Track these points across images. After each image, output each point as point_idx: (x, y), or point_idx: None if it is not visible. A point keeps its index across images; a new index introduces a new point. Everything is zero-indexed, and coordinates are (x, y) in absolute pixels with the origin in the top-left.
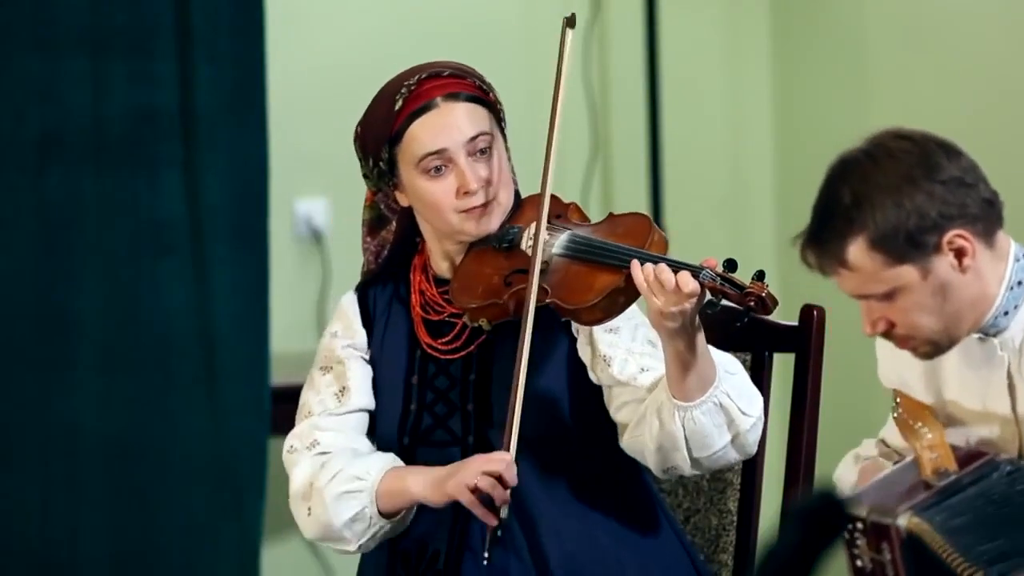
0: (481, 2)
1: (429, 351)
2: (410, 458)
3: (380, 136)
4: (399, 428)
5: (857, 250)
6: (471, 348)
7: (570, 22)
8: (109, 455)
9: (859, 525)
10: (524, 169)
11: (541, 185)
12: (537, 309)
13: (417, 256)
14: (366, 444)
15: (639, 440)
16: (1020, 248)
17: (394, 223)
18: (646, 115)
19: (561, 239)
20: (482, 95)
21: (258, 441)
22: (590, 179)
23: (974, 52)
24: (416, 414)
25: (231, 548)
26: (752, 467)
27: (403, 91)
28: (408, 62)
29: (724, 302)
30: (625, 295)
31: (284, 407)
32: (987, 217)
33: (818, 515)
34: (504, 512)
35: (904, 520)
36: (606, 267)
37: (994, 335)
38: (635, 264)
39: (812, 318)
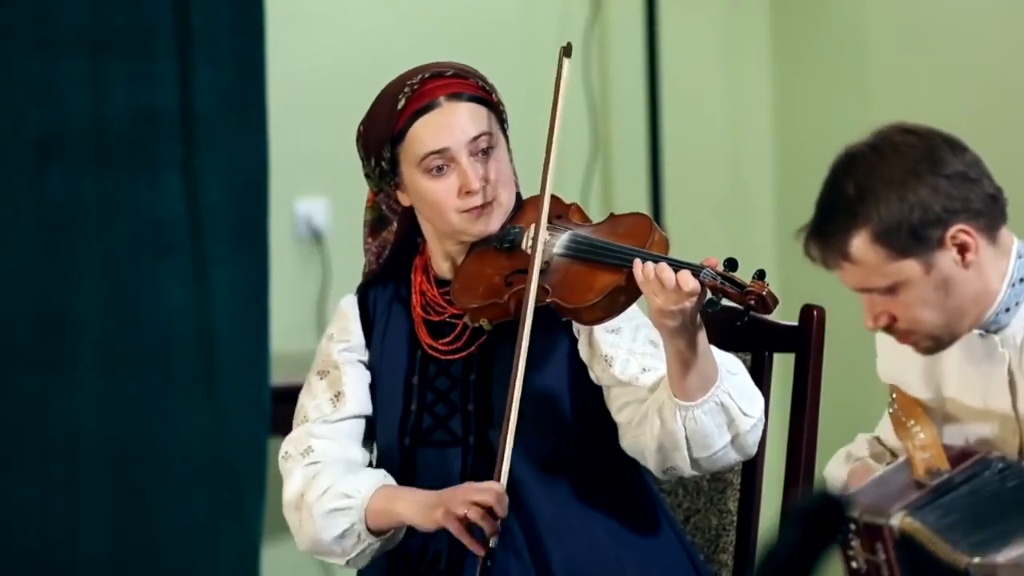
0: (481, 2)
1: (430, 352)
2: (410, 459)
3: (382, 135)
4: (400, 429)
5: (860, 243)
6: (472, 349)
7: (567, 52)
8: (109, 455)
9: (853, 526)
10: (524, 169)
11: (540, 188)
12: (538, 309)
13: (418, 257)
14: (360, 453)
15: (640, 440)
16: (1022, 245)
17: (395, 224)
18: (646, 115)
19: (562, 239)
20: (485, 95)
21: (258, 441)
22: (590, 179)
23: (974, 52)
24: (416, 415)
25: (231, 548)
26: (752, 467)
27: (406, 90)
28: (408, 62)
29: (725, 301)
30: (626, 294)
31: (284, 407)
32: (991, 213)
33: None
34: (493, 543)
35: (897, 520)
36: (607, 266)
37: (995, 332)
38: (636, 263)
39: (812, 318)
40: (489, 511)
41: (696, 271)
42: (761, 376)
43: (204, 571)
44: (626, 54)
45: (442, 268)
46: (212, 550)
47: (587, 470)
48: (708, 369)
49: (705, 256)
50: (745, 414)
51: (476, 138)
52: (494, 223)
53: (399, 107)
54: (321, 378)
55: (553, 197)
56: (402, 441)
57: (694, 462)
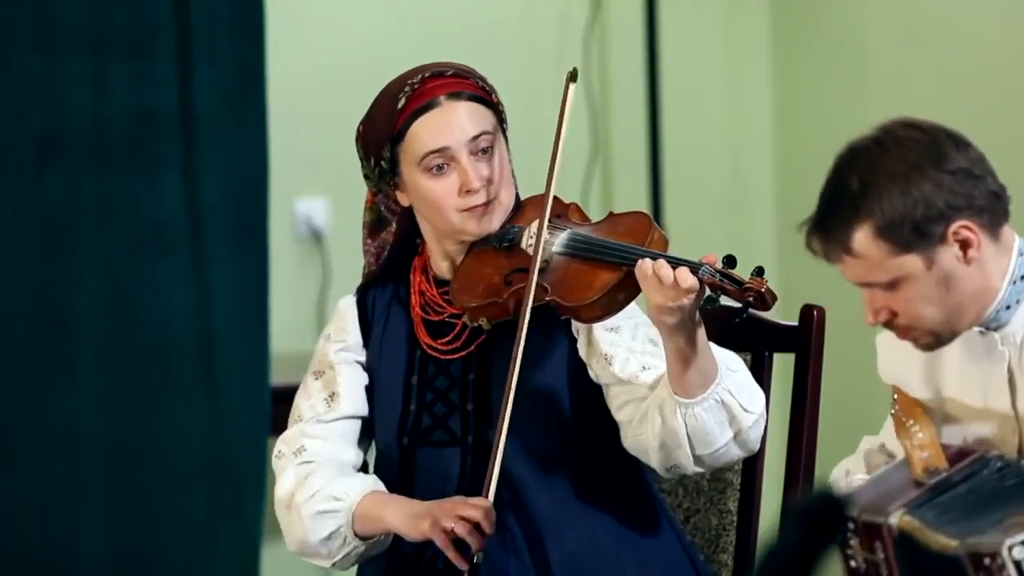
0: (481, 2)
1: (429, 351)
2: (410, 458)
3: (382, 135)
4: (399, 428)
5: (863, 237)
6: (471, 348)
7: (573, 77)
8: (109, 455)
9: (851, 525)
10: (524, 169)
11: (545, 190)
12: (537, 308)
13: (417, 257)
14: (354, 453)
15: (642, 439)
16: None
17: (394, 225)
18: (646, 115)
19: (561, 237)
20: (484, 95)
21: (258, 441)
22: (590, 179)
23: (974, 52)
24: (416, 414)
25: (231, 548)
26: (752, 467)
27: (406, 90)
28: (408, 62)
29: (723, 298)
30: (624, 292)
31: (284, 407)
32: (993, 210)
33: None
34: (479, 559)
35: (896, 519)
36: (606, 265)
37: (995, 329)
38: (637, 261)
39: (812, 318)
40: (476, 527)
41: (695, 268)
42: (761, 376)
43: (204, 571)
44: (626, 54)
45: (441, 268)
46: (212, 550)
47: (587, 469)
48: (708, 366)
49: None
50: (746, 410)
51: (476, 137)
52: (495, 222)
53: (399, 106)
54: (316, 378)
55: (553, 196)
56: (401, 441)
57: (697, 459)
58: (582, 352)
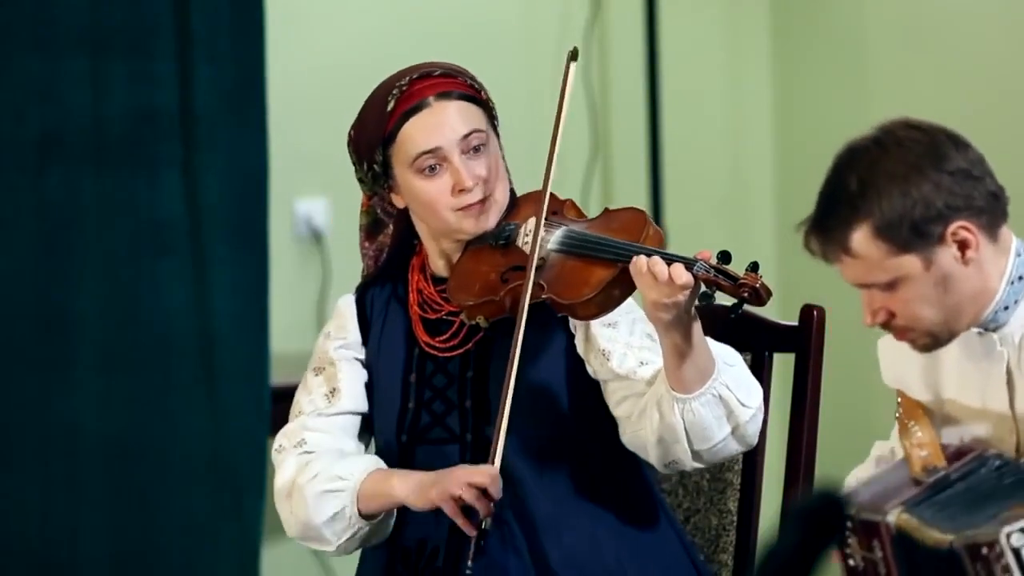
0: (481, 2)
1: (427, 349)
2: (409, 456)
3: (373, 138)
4: (397, 426)
5: (861, 237)
6: (469, 346)
7: (573, 56)
8: (109, 455)
9: (850, 524)
10: (524, 169)
11: (543, 187)
12: (534, 305)
13: (415, 257)
14: (354, 446)
15: (640, 435)
16: (1022, 243)
17: (391, 227)
18: (646, 115)
19: (557, 235)
20: (474, 93)
21: (258, 441)
22: (590, 179)
23: (974, 52)
24: (414, 412)
25: (231, 548)
26: (752, 467)
27: (395, 92)
28: (408, 62)
29: (719, 294)
30: (620, 289)
31: (284, 407)
32: (992, 211)
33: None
34: (487, 525)
35: (893, 516)
36: (601, 262)
37: (993, 330)
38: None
39: (812, 318)
40: (484, 493)
41: (689, 264)
42: (761, 376)
43: (204, 571)
44: (626, 54)
45: (438, 266)
46: (212, 550)
47: (586, 467)
48: (704, 361)
49: None
50: (743, 405)
51: (467, 136)
52: (490, 220)
53: (388, 109)
54: (317, 374)
55: (549, 194)
56: (400, 439)
57: (695, 454)
58: (580, 348)
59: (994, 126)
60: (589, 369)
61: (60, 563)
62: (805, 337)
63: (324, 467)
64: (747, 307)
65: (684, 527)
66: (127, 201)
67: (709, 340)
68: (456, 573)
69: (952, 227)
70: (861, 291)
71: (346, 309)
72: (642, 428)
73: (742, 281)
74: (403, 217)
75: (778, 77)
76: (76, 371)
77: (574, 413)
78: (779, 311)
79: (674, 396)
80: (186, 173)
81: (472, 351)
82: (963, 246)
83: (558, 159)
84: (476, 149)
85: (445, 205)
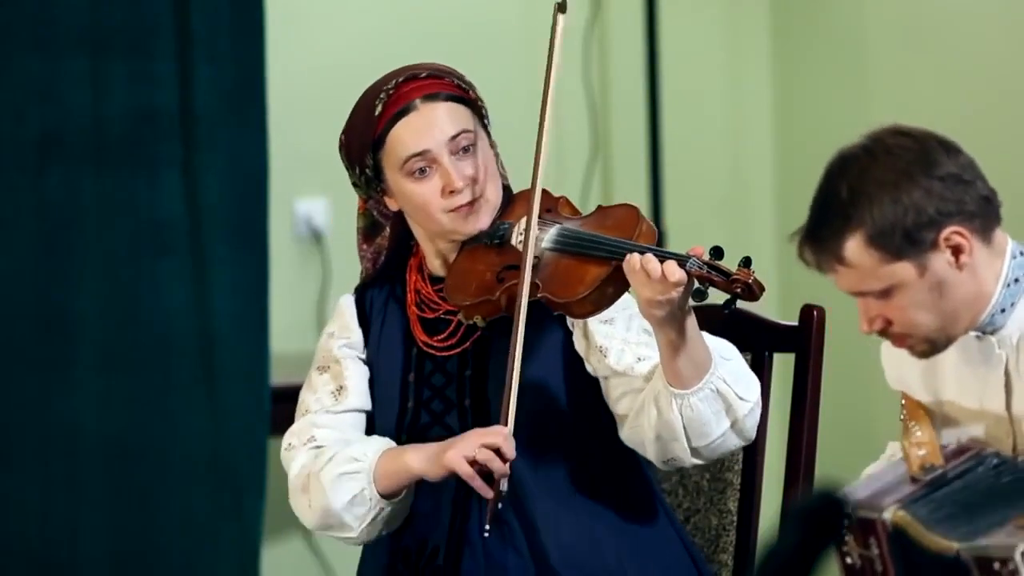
0: (481, 2)
1: (425, 349)
2: None
3: (363, 143)
4: (397, 426)
5: (854, 246)
6: (467, 345)
7: (561, 7)
8: (109, 455)
9: (847, 522)
10: (525, 169)
11: (532, 175)
12: (530, 303)
13: (412, 258)
14: (362, 438)
15: (638, 431)
16: (1017, 245)
17: (388, 229)
18: (646, 115)
19: (551, 233)
20: (462, 93)
21: (258, 441)
22: (590, 179)
23: (974, 52)
24: (413, 411)
25: (231, 548)
26: (752, 467)
27: (382, 96)
28: (408, 62)
29: (712, 290)
30: (614, 286)
31: (284, 407)
32: (985, 214)
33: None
34: (503, 485)
35: (889, 514)
36: (595, 259)
37: (991, 333)
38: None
39: (812, 318)
40: (497, 453)
41: (682, 261)
42: (761, 376)
43: (204, 571)
44: (626, 54)
45: (435, 266)
46: (212, 550)
47: (585, 465)
48: (701, 356)
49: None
50: (741, 399)
51: (455, 137)
52: (483, 220)
53: (376, 113)
54: (322, 373)
55: (542, 191)
56: (400, 438)
57: (694, 451)
58: (578, 346)
59: (994, 126)
60: (588, 367)
61: (60, 563)
62: (805, 337)
63: (338, 451)
64: (747, 307)
65: (684, 527)
66: (127, 201)
67: (705, 335)
68: (457, 574)
69: (945, 233)
70: (857, 300)
71: (347, 308)
72: (640, 425)
73: (735, 277)
74: (399, 219)
75: (778, 77)
76: (76, 371)
77: (573, 410)
78: (779, 311)
79: (672, 392)
80: (186, 173)
81: (470, 350)
82: (957, 251)
83: (558, 160)
84: (465, 149)
85: (437, 207)
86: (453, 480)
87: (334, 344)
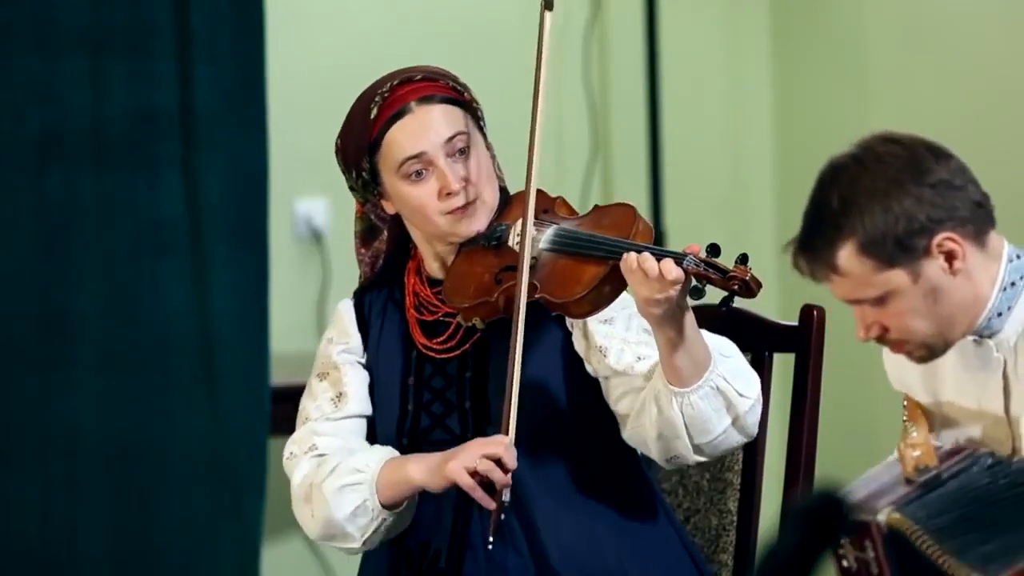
0: (481, 2)
1: (425, 351)
2: None
3: (359, 146)
4: (398, 429)
5: (847, 255)
6: (466, 347)
7: (548, 5)
8: (109, 455)
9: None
10: (525, 168)
11: (526, 176)
12: (528, 304)
13: (411, 261)
14: (364, 447)
15: (640, 430)
16: (1013, 249)
17: (385, 232)
18: (646, 115)
19: (547, 234)
20: (457, 95)
21: (258, 441)
22: (590, 179)
23: (974, 52)
24: (414, 414)
25: (231, 548)
26: (752, 467)
27: (377, 99)
28: (408, 62)
29: (710, 288)
30: (611, 285)
31: (284, 407)
32: (977, 219)
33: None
34: (505, 496)
35: (884, 516)
36: (592, 259)
37: (989, 336)
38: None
39: (812, 318)
40: (498, 464)
41: (679, 259)
42: (761, 376)
43: (204, 571)
44: (626, 54)
45: (433, 268)
46: (212, 550)
47: (585, 465)
48: (700, 354)
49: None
50: (742, 395)
51: (451, 139)
52: (480, 222)
53: (372, 116)
54: (321, 380)
55: (539, 191)
56: (400, 442)
57: (696, 448)
58: (578, 346)
59: (994, 126)
60: (588, 367)
61: (60, 563)
62: (805, 337)
63: (340, 462)
64: (747, 307)
65: (684, 527)
66: (127, 201)
67: (704, 332)
68: (458, 575)
69: (937, 239)
70: (853, 306)
71: (346, 314)
72: (642, 424)
73: (732, 274)
74: (397, 222)
75: (778, 77)
76: (76, 371)
77: (573, 411)
78: (779, 311)
79: (672, 390)
80: (186, 173)
81: (470, 352)
82: (950, 257)
83: (558, 159)
84: (461, 152)
85: (434, 209)
86: (455, 489)
87: (333, 350)
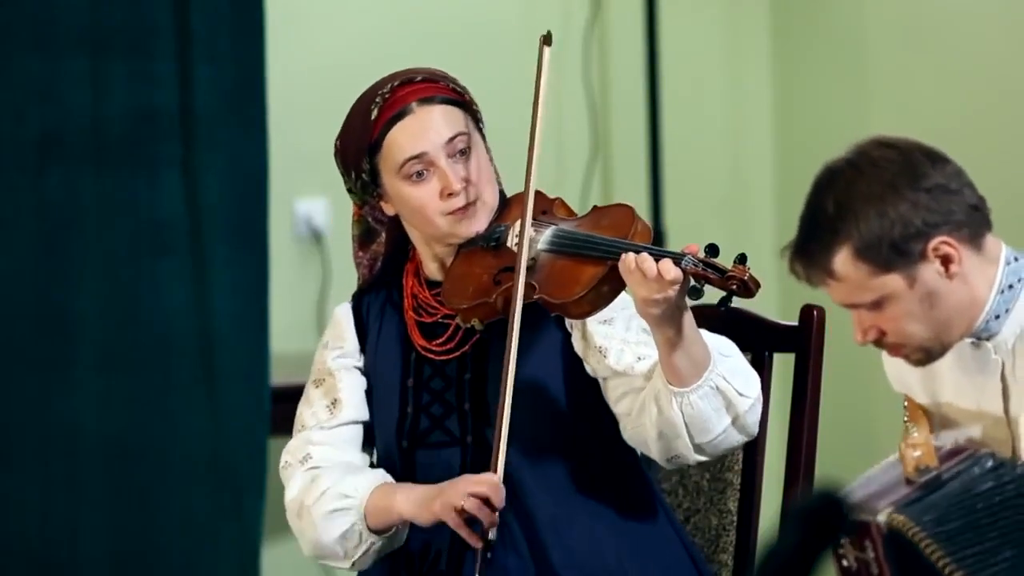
0: (481, 2)
1: (424, 353)
2: (410, 461)
3: (359, 147)
4: (397, 431)
5: (842, 260)
6: (465, 348)
7: (547, 40)
8: (109, 455)
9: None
10: (523, 167)
11: (525, 184)
12: (528, 305)
13: (409, 263)
14: (359, 457)
15: (640, 430)
16: (1011, 252)
17: (384, 235)
18: (646, 115)
19: (546, 235)
20: (457, 96)
21: (258, 441)
22: (590, 179)
23: (974, 52)
24: (413, 417)
25: (231, 548)
26: (752, 467)
27: (377, 100)
28: (408, 62)
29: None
30: (610, 286)
31: (284, 407)
32: (974, 223)
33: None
34: (492, 535)
35: (884, 517)
36: (590, 260)
37: (987, 339)
38: (621, 256)
39: (812, 318)
40: (486, 502)
41: (677, 259)
42: (761, 376)
43: (204, 571)
44: (626, 54)
45: (432, 270)
46: (212, 550)
47: (585, 465)
48: (699, 354)
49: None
50: (742, 395)
51: (452, 139)
52: (480, 223)
53: (372, 117)
54: (317, 387)
55: (537, 193)
56: (400, 444)
57: (697, 448)
58: (577, 347)
59: (994, 126)
60: (588, 368)
61: (60, 563)
62: (805, 337)
63: (330, 485)
64: (747, 307)
65: (684, 527)
66: (127, 201)
67: (704, 332)
68: None
69: (933, 243)
70: (851, 310)
71: (342, 317)
72: (642, 424)
73: (730, 274)
74: (395, 224)
75: (778, 77)
76: (76, 371)
77: (573, 412)
78: (779, 311)
79: (671, 390)
80: (186, 173)
81: (469, 353)
82: (946, 261)
83: (558, 159)
84: (462, 152)
85: (435, 210)
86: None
87: (328, 356)
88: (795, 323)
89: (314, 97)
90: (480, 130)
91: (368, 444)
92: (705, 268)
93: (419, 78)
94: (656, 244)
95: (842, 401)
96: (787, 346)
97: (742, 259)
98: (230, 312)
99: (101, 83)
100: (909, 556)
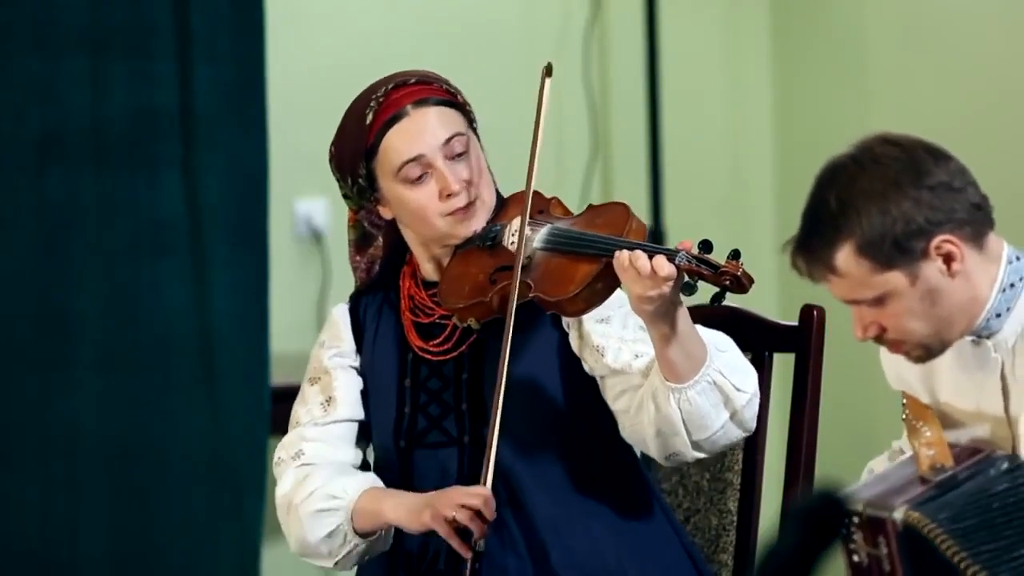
0: (481, 2)
1: (421, 354)
2: (407, 461)
3: (355, 152)
4: (394, 432)
5: (845, 256)
6: (462, 348)
7: (548, 72)
8: (109, 455)
9: (855, 519)
10: (522, 167)
11: (527, 177)
12: (524, 304)
13: (406, 265)
14: (352, 454)
15: (638, 428)
16: (1013, 251)
17: (380, 239)
18: (646, 115)
19: (542, 233)
20: (451, 98)
21: (258, 441)
22: (590, 179)
23: (974, 52)
24: (410, 417)
25: (231, 548)
26: (752, 467)
27: (372, 104)
28: (408, 62)
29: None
30: (604, 283)
31: (284, 407)
32: (976, 221)
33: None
34: (481, 546)
35: (900, 514)
36: (585, 257)
37: (987, 337)
38: (615, 253)
39: (812, 318)
40: (477, 514)
41: (671, 256)
42: (761, 376)
43: (204, 571)
44: (626, 54)
45: (428, 271)
46: (212, 550)
47: (584, 465)
48: (695, 349)
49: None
50: (739, 390)
51: (449, 140)
52: (479, 222)
53: (367, 121)
54: (312, 384)
55: (534, 192)
56: (398, 444)
57: (695, 444)
58: (575, 346)
59: (994, 126)
60: (585, 366)
61: (60, 563)
62: (805, 337)
63: (319, 484)
64: (747, 307)
65: (684, 527)
66: (127, 201)
67: (700, 328)
68: None
69: (935, 241)
70: (851, 307)
71: (339, 318)
72: (640, 422)
73: (723, 269)
74: (392, 228)
75: (778, 77)
76: (76, 371)
77: (570, 411)
78: (779, 311)
79: (669, 387)
80: (186, 173)
81: (466, 353)
82: (948, 259)
83: (558, 159)
84: (459, 153)
85: (434, 211)
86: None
87: (324, 355)
88: (795, 323)
89: (314, 97)
90: (475, 131)
91: (363, 441)
92: (699, 264)
93: (413, 80)
94: (655, 243)
95: (842, 401)
96: (787, 346)
97: (735, 255)
98: (230, 312)
99: (101, 83)
100: (924, 553)
